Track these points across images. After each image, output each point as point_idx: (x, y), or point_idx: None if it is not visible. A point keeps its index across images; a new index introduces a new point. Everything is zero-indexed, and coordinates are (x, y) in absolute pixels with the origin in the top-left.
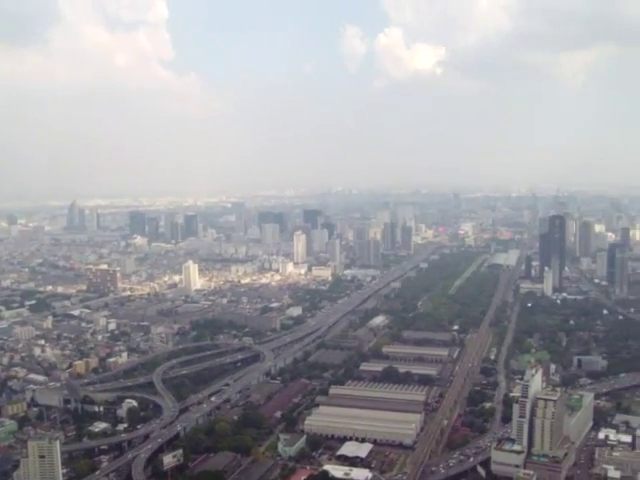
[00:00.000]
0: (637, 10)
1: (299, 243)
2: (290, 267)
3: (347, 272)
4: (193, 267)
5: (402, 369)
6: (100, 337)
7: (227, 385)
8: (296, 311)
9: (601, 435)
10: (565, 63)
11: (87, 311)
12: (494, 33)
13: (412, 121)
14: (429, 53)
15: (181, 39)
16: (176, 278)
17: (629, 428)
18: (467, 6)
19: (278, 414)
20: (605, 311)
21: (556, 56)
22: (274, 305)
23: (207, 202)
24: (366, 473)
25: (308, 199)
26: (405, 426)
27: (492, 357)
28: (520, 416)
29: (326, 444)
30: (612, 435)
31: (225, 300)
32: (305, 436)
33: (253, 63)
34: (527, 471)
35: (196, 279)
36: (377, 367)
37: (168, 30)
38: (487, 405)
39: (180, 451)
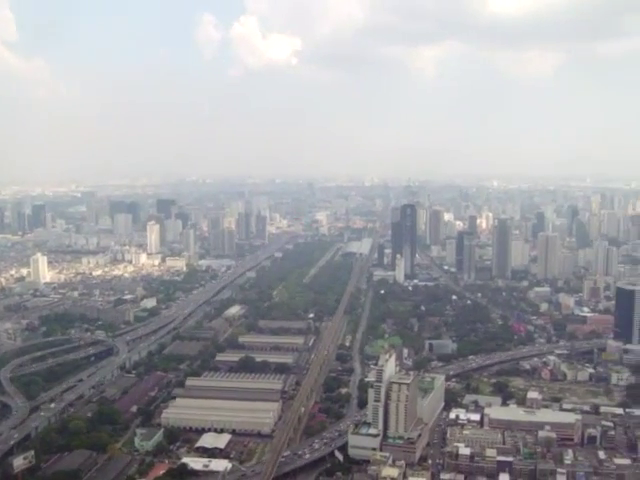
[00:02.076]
0: (480, 9)
1: (152, 233)
2: (143, 258)
3: (202, 262)
4: (42, 259)
5: (258, 358)
6: None
7: (80, 381)
8: (150, 303)
9: (452, 415)
10: (417, 57)
11: None
12: (348, 25)
13: (267, 111)
14: (284, 43)
15: (27, 20)
16: (24, 271)
17: (478, 407)
18: None
19: (134, 408)
20: (454, 296)
21: (408, 50)
22: (127, 297)
23: (56, 191)
24: (225, 464)
25: (161, 188)
26: (263, 415)
27: (347, 344)
28: (375, 400)
29: (184, 437)
30: (462, 415)
31: (76, 293)
32: (162, 430)
33: (106, 48)
34: (383, 453)
35: (45, 272)
36: (233, 357)
37: (12, 10)
38: (343, 391)
39: (32, 452)
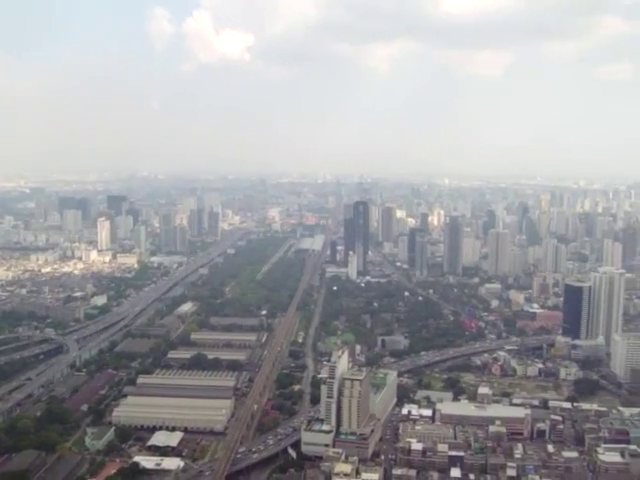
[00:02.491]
0: (434, 10)
1: (103, 230)
2: (94, 255)
3: (153, 259)
4: None
5: (211, 355)
6: None
7: (29, 380)
8: (101, 300)
9: (404, 410)
10: (370, 55)
11: None
12: (302, 22)
13: (220, 106)
14: (238, 39)
15: None
16: None
17: (429, 403)
18: None
19: (84, 407)
20: (406, 293)
21: (362, 48)
22: (78, 294)
23: (3, 187)
24: (177, 462)
25: (112, 184)
26: (215, 412)
27: (300, 340)
28: (328, 396)
29: (136, 435)
30: (414, 410)
31: (25, 290)
32: (113, 428)
33: (55, 40)
34: (336, 449)
35: None
36: (185, 354)
37: None
38: (296, 388)
39: None
